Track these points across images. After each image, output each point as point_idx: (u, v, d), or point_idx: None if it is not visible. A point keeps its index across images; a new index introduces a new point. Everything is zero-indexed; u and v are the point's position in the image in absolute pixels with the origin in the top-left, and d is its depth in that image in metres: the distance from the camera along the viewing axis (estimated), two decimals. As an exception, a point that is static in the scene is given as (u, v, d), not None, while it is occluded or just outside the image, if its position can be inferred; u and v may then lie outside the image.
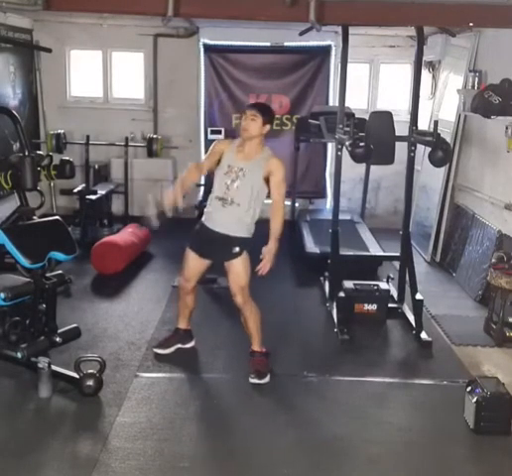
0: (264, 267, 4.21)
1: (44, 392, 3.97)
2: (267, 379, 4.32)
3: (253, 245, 4.30)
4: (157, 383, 4.27)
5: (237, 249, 4.27)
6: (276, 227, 4.25)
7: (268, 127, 4.26)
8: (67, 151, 7.51)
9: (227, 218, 4.27)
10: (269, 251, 4.21)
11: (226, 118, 8.50)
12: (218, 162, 4.32)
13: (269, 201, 4.32)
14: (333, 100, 8.16)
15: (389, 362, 4.83)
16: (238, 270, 4.30)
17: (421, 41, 5.34)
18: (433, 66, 7.97)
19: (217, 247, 4.32)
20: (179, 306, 4.75)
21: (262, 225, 4.32)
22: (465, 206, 6.81)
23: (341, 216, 5.78)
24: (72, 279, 4.72)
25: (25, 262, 3.91)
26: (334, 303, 5.32)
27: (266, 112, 4.28)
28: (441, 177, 7.11)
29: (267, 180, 4.25)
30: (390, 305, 5.43)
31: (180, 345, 4.72)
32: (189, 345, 4.76)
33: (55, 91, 8.44)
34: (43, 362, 3.94)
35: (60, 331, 4.22)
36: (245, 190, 4.22)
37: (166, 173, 8.48)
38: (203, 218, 4.42)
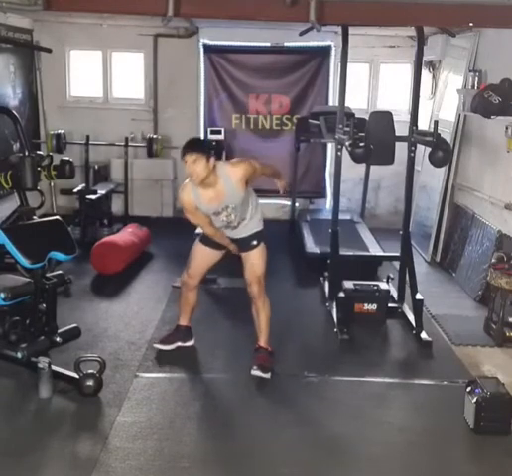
0: (283, 186, 4.63)
1: (44, 392, 3.97)
2: (269, 374, 4.32)
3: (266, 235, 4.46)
4: (157, 383, 4.27)
5: (255, 242, 4.39)
6: (277, 173, 4.62)
7: (213, 160, 4.07)
8: (67, 151, 7.51)
9: (241, 231, 4.39)
10: (283, 181, 4.64)
11: (226, 118, 8.50)
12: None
13: (265, 201, 4.38)
14: (333, 100, 8.16)
15: (389, 362, 4.83)
16: (256, 259, 4.38)
17: (421, 41, 5.34)
18: (433, 66, 7.97)
19: (234, 241, 4.43)
20: (180, 303, 4.76)
21: (266, 225, 4.42)
22: (465, 206, 6.81)
23: (341, 216, 5.78)
24: (72, 279, 4.74)
25: (25, 262, 3.91)
26: (334, 303, 5.32)
27: (202, 147, 4.15)
28: (441, 177, 7.11)
29: (247, 183, 4.26)
30: (390, 305, 5.42)
31: (180, 343, 4.72)
32: (188, 343, 4.77)
33: (55, 91, 8.44)
34: (43, 362, 3.94)
35: (60, 331, 4.22)
36: (242, 210, 4.30)
37: (166, 173, 8.50)
38: None
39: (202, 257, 4.51)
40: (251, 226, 4.39)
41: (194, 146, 4.12)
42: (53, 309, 4.22)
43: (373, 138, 4.99)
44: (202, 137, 7.92)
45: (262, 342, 4.46)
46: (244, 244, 4.40)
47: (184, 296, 4.69)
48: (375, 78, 8.64)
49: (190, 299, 4.67)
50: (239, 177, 4.15)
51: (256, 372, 4.29)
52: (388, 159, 5.31)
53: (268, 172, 4.54)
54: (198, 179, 4.07)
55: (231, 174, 4.15)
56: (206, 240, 4.48)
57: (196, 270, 4.54)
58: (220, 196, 4.17)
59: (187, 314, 4.73)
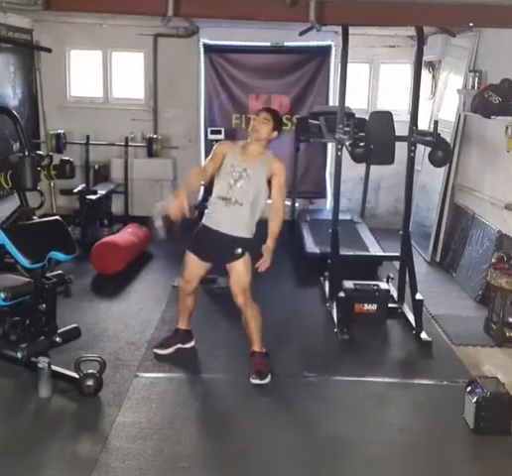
0: (263, 264, 4.28)
1: (44, 392, 3.97)
2: (268, 379, 4.32)
3: (254, 246, 4.33)
4: (157, 383, 4.27)
5: (239, 250, 4.30)
6: (275, 228, 4.31)
7: (276, 134, 4.32)
8: (67, 151, 7.51)
9: (229, 217, 4.29)
10: (267, 249, 4.29)
11: (226, 118, 8.50)
12: (221, 164, 4.33)
13: (268, 202, 4.35)
14: (333, 100, 8.16)
15: (389, 362, 4.83)
16: (240, 271, 4.31)
17: (421, 41, 5.34)
18: (433, 66, 7.97)
19: (219, 249, 4.33)
20: (178, 307, 4.76)
21: (262, 225, 4.33)
22: (465, 206, 6.81)
23: (341, 216, 5.78)
24: (72, 279, 4.73)
25: (25, 262, 3.91)
26: (334, 303, 5.32)
27: (277, 119, 4.34)
28: (441, 177, 7.11)
29: (269, 182, 4.28)
30: (390, 305, 5.43)
31: (180, 345, 4.72)
32: (188, 345, 4.77)
33: (55, 91, 8.44)
34: (43, 362, 3.94)
35: (60, 331, 4.22)
36: (248, 190, 4.25)
37: (166, 173, 8.49)
38: (204, 220, 4.42)
39: (193, 264, 4.47)
40: (240, 223, 4.28)
41: (274, 113, 4.36)
42: (53, 309, 4.22)
43: (373, 138, 4.99)
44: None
45: (256, 347, 4.46)
46: (228, 251, 4.29)
47: (182, 300, 4.68)
48: (375, 78, 8.64)
49: (188, 303, 4.66)
50: (275, 170, 4.26)
51: (255, 381, 4.29)
52: (388, 159, 5.31)
53: (277, 200, 4.33)
54: (257, 135, 4.25)
55: (273, 162, 4.29)
56: (192, 247, 4.43)
57: (191, 276, 4.52)
58: (251, 161, 4.26)
59: (185, 318, 4.72)
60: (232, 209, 4.27)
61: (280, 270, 6.43)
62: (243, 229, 4.30)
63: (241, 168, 4.25)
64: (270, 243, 4.30)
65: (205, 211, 4.46)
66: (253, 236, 4.35)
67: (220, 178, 4.33)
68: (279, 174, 4.27)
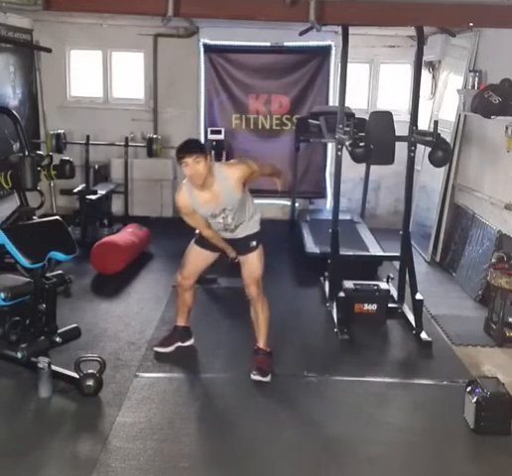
0: (282, 183, 4.57)
1: (44, 392, 3.97)
2: (268, 378, 4.32)
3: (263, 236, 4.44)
4: (157, 383, 4.27)
5: (254, 243, 4.37)
6: (276, 171, 4.56)
7: (210, 158, 4.08)
8: (67, 151, 7.51)
9: (239, 232, 4.37)
10: (280, 177, 4.57)
11: (226, 118, 8.50)
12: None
13: (265, 201, 4.37)
14: (333, 100, 8.16)
15: (389, 362, 4.83)
16: (254, 262, 4.36)
17: (421, 41, 5.34)
18: (433, 66, 7.97)
19: (232, 243, 4.40)
20: (177, 304, 4.77)
21: (264, 224, 4.41)
22: (465, 206, 6.81)
23: (341, 216, 5.78)
24: (72, 279, 4.73)
25: (25, 262, 3.91)
26: (334, 303, 5.32)
27: (200, 147, 4.09)
28: (441, 177, 7.11)
29: (244, 184, 4.23)
30: (390, 305, 5.42)
31: (179, 343, 4.73)
32: (188, 343, 4.77)
33: (55, 91, 8.44)
34: (43, 362, 3.94)
35: (60, 331, 4.22)
36: (239, 212, 4.27)
37: (166, 173, 8.50)
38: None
39: (197, 258, 4.49)
40: (249, 227, 4.38)
41: (193, 146, 4.07)
42: (53, 309, 4.22)
43: (373, 138, 4.99)
44: (197, 137, 7.86)
45: (261, 344, 4.46)
46: (243, 246, 4.37)
47: (180, 296, 4.69)
48: (375, 78, 8.64)
49: (187, 300, 4.66)
50: (236, 178, 4.11)
51: (256, 377, 4.29)
52: (388, 159, 5.31)
53: (267, 171, 4.50)
54: (200, 180, 4.02)
55: (228, 175, 4.11)
56: (202, 242, 4.46)
57: (191, 271, 4.53)
58: (217, 198, 4.12)
59: (184, 315, 4.73)
60: (239, 229, 4.35)
61: (280, 270, 6.45)
62: (252, 227, 4.39)
63: (219, 210, 4.18)
64: (277, 175, 4.55)
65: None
66: (261, 226, 4.43)
67: (210, 221, 4.31)
68: (246, 176, 4.15)
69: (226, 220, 4.25)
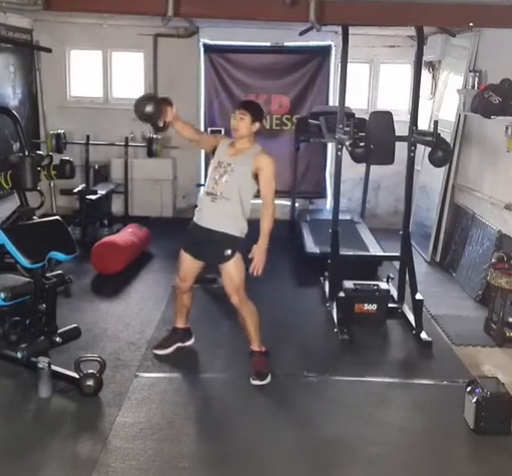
0: (256, 267, 4.19)
1: (44, 392, 3.97)
2: (268, 379, 4.32)
3: (245, 245, 4.28)
4: (157, 383, 4.27)
5: (229, 252, 4.26)
6: (265, 225, 4.19)
7: (257, 125, 4.26)
8: (67, 151, 7.50)
9: (217, 213, 4.27)
10: (259, 249, 4.19)
11: (226, 118, 8.43)
12: (212, 149, 4.41)
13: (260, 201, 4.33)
14: (333, 100, 8.16)
15: (389, 362, 4.83)
16: (231, 272, 4.30)
17: (421, 41, 5.34)
18: (433, 66, 7.97)
19: (209, 249, 4.31)
20: (176, 306, 4.77)
21: (255, 224, 4.28)
22: (465, 206, 6.81)
23: (341, 216, 5.78)
24: (72, 279, 4.73)
25: (25, 262, 3.91)
26: (334, 303, 5.32)
27: (254, 110, 4.28)
28: (441, 177, 7.11)
29: (257, 177, 4.22)
30: (390, 305, 5.42)
31: (179, 344, 4.73)
32: (188, 343, 4.77)
33: (55, 91, 8.44)
34: (43, 362, 3.94)
35: (60, 331, 4.22)
36: (233, 185, 4.22)
37: (166, 173, 8.50)
38: (195, 217, 4.43)
39: (187, 262, 4.47)
40: (227, 223, 4.25)
41: (249, 105, 4.34)
42: (53, 309, 4.22)
43: (373, 138, 4.99)
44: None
45: (254, 346, 4.45)
46: (218, 253, 4.27)
47: (179, 298, 4.69)
48: (375, 78, 8.64)
49: (185, 302, 4.66)
50: (260, 164, 4.20)
51: (255, 382, 4.29)
52: (388, 159, 5.31)
53: (266, 195, 4.25)
54: (238, 134, 4.25)
55: (259, 155, 4.23)
56: (187, 247, 4.43)
57: (186, 274, 4.52)
58: (237, 156, 4.25)
59: (183, 316, 4.72)
60: (219, 204, 4.24)
61: (280, 270, 6.45)
62: (232, 225, 4.26)
63: (226, 162, 4.26)
64: (261, 242, 4.19)
65: (196, 209, 4.48)
66: (244, 236, 4.30)
67: (208, 174, 4.38)
68: (265, 167, 4.20)
69: (221, 178, 4.23)
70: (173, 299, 5.12)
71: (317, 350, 4.90)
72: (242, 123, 4.22)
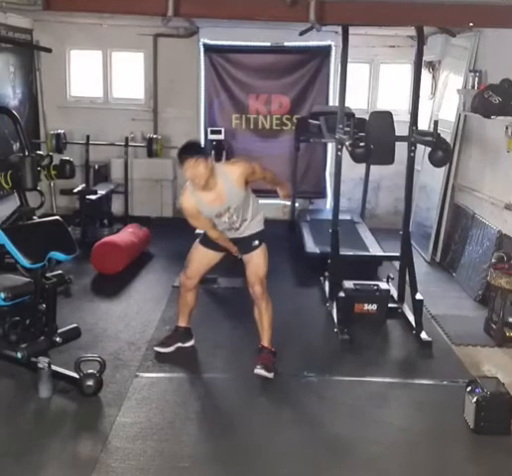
0: (286, 193, 4.68)
1: (44, 392, 3.97)
2: (272, 374, 4.32)
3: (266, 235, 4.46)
4: (157, 383, 4.27)
5: (257, 242, 4.39)
6: (277, 180, 4.61)
7: (210, 159, 4.14)
8: (67, 151, 7.51)
9: (243, 231, 4.38)
10: (283, 186, 4.67)
11: (226, 118, 8.50)
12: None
13: (266, 202, 4.37)
14: (333, 100, 8.15)
15: (389, 362, 4.83)
16: (259, 260, 4.38)
17: (421, 41, 5.34)
18: (433, 66, 7.97)
19: (236, 242, 4.41)
20: (179, 304, 4.76)
21: (266, 225, 4.43)
22: (465, 206, 6.81)
23: (341, 216, 5.78)
24: (72, 279, 4.73)
25: (25, 262, 3.91)
26: (334, 303, 5.32)
27: (199, 149, 4.18)
28: (441, 177, 7.11)
29: (247, 183, 4.25)
30: (390, 305, 5.42)
31: (180, 344, 4.73)
32: (188, 344, 4.77)
33: (55, 91, 8.44)
34: (43, 362, 3.94)
35: (60, 331, 4.22)
36: (243, 211, 4.29)
37: (166, 173, 8.50)
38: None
39: (201, 259, 4.50)
40: (253, 226, 4.39)
41: (192, 149, 4.11)
42: (53, 309, 4.22)
43: (373, 138, 4.99)
44: (197, 138, 7.85)
45: (265, 342, 4.46)
46: (246, 244, 4.39)
47: (182, 297, 4.69)
48: (375, 78, 8.64)
49: (189, 300, 4.66)
50: (237, 174, 4.15)
51: (260, 371, 4.29)
52: (388, 159, 5.30)
53: (268, 177, 4.46)
54: (201, 182, 4.05)
55: (229, 172, 4.16)
56: (206, 242, 4.47)
57: (195, 271, 4.54)
58: (221, 197, 4.16)
59: (185, 315, 4.73)
60: (242, 228, 4.36)
61: (280, 270, 6.44)
62: (256, 226, 4.41)
63: (223, 209, 4.21)
64: (280, 184, 4.62)
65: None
66: (264, 226, 4.45)
67: (216, 224, 4.35)
68: (248, 173, 4.17)
69: (231, 219, 4.27)
70: (175, 300, 5.12)
71: (317, 350, 4.90)
72: (201, 169, 3.99)
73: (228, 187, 4.14)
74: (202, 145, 4.29)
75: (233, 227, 4.33)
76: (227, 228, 4.34)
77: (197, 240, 4.56)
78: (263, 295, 4.38)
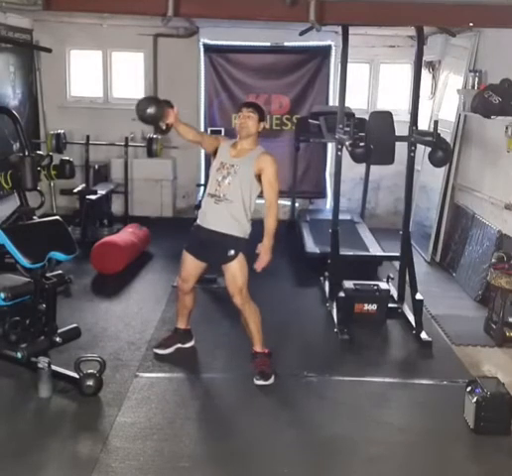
0: (259, 264, 4.25)
1: (44, 392, 3.97)
2: (272, 380, 4.31)
3: (249, 245, 4.31)
4: (157, 383, 4.27)
5: (232, 252, 4.27)
6: (270, 225, 4.26)
7: (262, 125, 4.33)
8: (67, 151, 7.51)
9: (220, 215, 4.28)
10: (264, 248, 4.26)
11: (226, 118, 8.50)
12: (213, 151, 4.41)
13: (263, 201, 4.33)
14: (333, 100, 8.16)
15: (389, 362, 4.83)
16: (234, 272, 4.30)
17: (421, 41, 5.34)
18: (433, 66, 7.97)
19: (213, 250, 4.33)
20: (177, 307, 4.76)
21: (258, 225, 4.32)
22: (465, 206, 6.81)
23: (341, 216, 5.79)
24: (72, 279, 4.73)
25: (25, 262, 3.91)
26: (334, 303, 5.32)
27: (260, 110, 4.34)
28: (441, 177, 7.11)
29: (260, 178, 4.24)
30: (390, 305, 5.42)
31: (179, 345, 4.73)
32: (188, 345, 4.77)
33: (55, 91, 8.44)
34: (43, 362, 3.94)
35: (60, 331, 4.21)
36: (236, 186, 4.24)
37: (166, 173, 8.50)
38: (198, 219, 4.43)
39: (190, 264, 4.47)
40: (231, 225, 4.26)
41: (254, 105, 4.39)
42: (53, 309, 4.21)
43: (373, 138, 4.99)
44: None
45: (257, 348, 4.45)
46: (221, 254, 4.28)
47: (180, 299, 4.69)
48: (375, 78, 8.64)
49: (187, 303, 4.66)
50: (262, 164, 4.22)
51: (259, 382, 4.28)
52: (388, 159, 5.31)
53: (270, 197, 4.28)
54: (245, 132, 4.25)
55: (261, 156, 4.25)
56: (189, 248, 4.44)
57: (187, 275, 4.52)
58: (240, 156, 4.26)
59: (184, 317, 4.72)
60: (222, 206, 4.26)
61: (280, 270, 6.44)
62: (235, 227, 4.28)
63: (229, 164, 4.27)
64: (266, 241, 4.26)
65: (199, 211, 4.48)
66: (248, 236, 4.32)
67: (211, 175, 4.37)
68: (267, 168, 4.22)
69: (224, 180, 4.24)
70: (174, 300, 5.12)
71: (317, 350, 4.90)
72: (250, 121, 4.26)
73: (250, 157, 4.24)
74: (264, 111, 4.43)
75: (217, 194, 4.25)
76: (212, 193, 4.27)
77: (184, 246, 4.50)
78: (244, 304, 4.35)
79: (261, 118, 4.30)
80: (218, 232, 4.28)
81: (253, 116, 4.25)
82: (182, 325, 4.74)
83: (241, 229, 4.29)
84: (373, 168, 7.58)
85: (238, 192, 4.24)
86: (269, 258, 4.26)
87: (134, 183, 8.32)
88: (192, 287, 4.58)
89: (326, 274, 5.85)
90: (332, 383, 4.37)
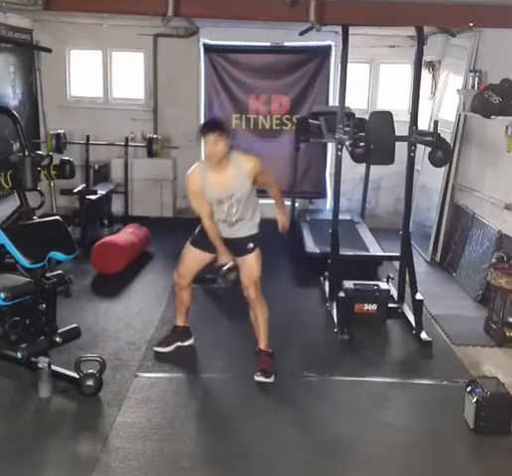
0: (283, 226, 4.56)
1: (44, 392, 3.97)
2: (272, 378, 4.31)
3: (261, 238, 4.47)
4: (157, 383, 4.27)
5: (251, 245, 4.38)
6: (277, 193, 4.51)
7: (230, 139, 4.21)
8: (67, 151, 7.52)
9: (237, 229, 4.37)
10: (281, 211, 4.58)
11: (226, 118, 8.48)
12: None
13: (266, 202, 4.36)
14: (333, 100, 8.16)
15: (389, 362, 4.83)
16: (252, 263, 4.36)
17: (421, 41, 5.34)
18: (433, 66, 7.97)
19: (231, 245, 4.38)
20: (175, 304, 4.78)
21: (264, 226, 4.41)
22: (465, 206, 6.81)
23: (341, 216, 5.78)
24: (72, 279, 4.72)
25: (25, 262, 3.91)
26: (334, 303, 5.32)
27: (222, 127, 4.21)
28: (441, 177, 7.11)
29: (255, 181, 4.27)
30: (390, 305, 5.42)
31: (179, 343, 4.73)
32: (187, 343, 4.77)
33: (55, 91, 8.44)
34: (43, 362, 3.94)
35: (60, 331, 4.21)
36: (242, 205, 4.29)
37: (166, 173, 8.50)
38: None
39: (192, 259, 4.49)
40: (248, 228, 4.38)
41: (215, 125, 4.24)
42: (53, 309, 4.21)
43: (373, 138, 4.99)
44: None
45: (262, 345, 4.46)
46: (240, 247, 4.36)
47: (178, 295, 4.70)
48: (375, 78, 8.64)
49: (184, 299, 4.67)
50: (250, 166, 4.21)
51: (260, 378, 4.29)
52: (388, 159, 5.30)
53: (269, 182, 4.42)
54: (218, 158, 4.13)
55: (243, 162, 4.22)
56: (197, 242, 4.46)
57: (186, 270, 4.53)
58: (228, 182, 4.20)
59: (183, 314, 4.73)
60: (238, 225, 4.36)
61: (280, 270, 6.45)
62: (252, 229, 4.41)
63: (226, 195, 4.22)
64: (280, 208, 4.56)
65: None
66: (259, 229, 4.44)
67: (213, 206, 4.32)
68: (257, 169, 4.22)
69: (231, 210, 4.27)
70: (173, 297, 5.12)
71: (317, 350, 4.90)
72: (220, 145, 4.09)
73: (238, 175, 4.18)
74: (224, 124, 4.31)
75: (228, 220, 4.30)
76: (223, 219, 4.31)
77: (189, 240, 4.53)
78: (257, 297, 4.37)
79: (227, 134, 4.15)
80: (237, 238, 4.38)
81: (221, 139, 4.08)
82: (180, 322, 4.74)
83: (255, 227, 4.43)
84: (373, 168, 7.58)
85: (247, 209, 4.32)
86: (288, 219, 4.68)
87: (134, 183, 8.31)
88: (188, 283, 4.59)
89: (326, 274, 5.84)
90: (332, 383, 4.37)
